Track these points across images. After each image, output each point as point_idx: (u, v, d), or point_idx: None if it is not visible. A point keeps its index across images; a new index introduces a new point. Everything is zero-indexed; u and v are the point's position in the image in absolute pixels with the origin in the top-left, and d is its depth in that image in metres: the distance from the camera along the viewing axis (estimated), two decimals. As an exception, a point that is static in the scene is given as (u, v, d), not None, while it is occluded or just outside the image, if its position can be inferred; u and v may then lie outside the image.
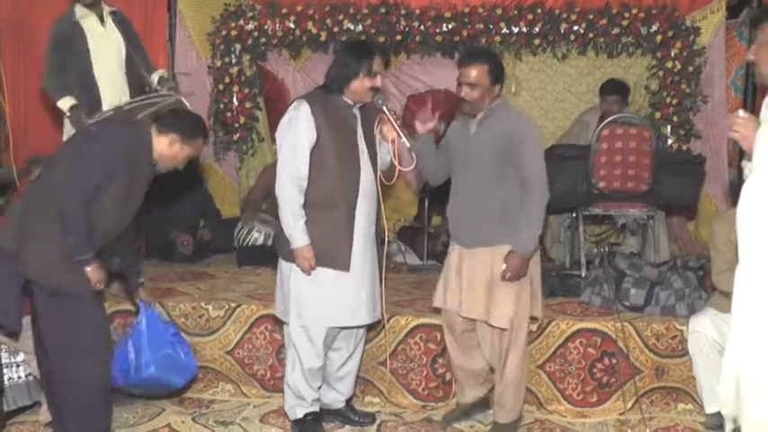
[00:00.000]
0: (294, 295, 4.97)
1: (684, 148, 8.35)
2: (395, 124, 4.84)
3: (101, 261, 4.72)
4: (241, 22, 8.62)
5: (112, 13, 6.75)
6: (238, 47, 8.62)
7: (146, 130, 4.89)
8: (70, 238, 4.57)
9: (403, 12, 8.54)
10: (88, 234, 4.61)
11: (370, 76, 4.87)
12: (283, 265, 5.06)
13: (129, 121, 5.16)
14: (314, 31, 8.50)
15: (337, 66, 4.97)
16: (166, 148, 4.88)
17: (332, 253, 4.89)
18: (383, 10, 8.54)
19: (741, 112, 3.97)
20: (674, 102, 8.35)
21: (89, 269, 4.64)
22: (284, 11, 8.60)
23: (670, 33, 8.36)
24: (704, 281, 6.04)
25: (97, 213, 4.62)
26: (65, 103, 6.38)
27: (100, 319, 4.94)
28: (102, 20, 6.64)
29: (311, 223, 4.85)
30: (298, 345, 5.06)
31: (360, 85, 4.88)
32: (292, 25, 8.59)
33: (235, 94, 8.66)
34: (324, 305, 4.94)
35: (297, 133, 4.82)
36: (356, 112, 5.01)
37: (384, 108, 4.88)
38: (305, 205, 4.86)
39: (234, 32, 8.60)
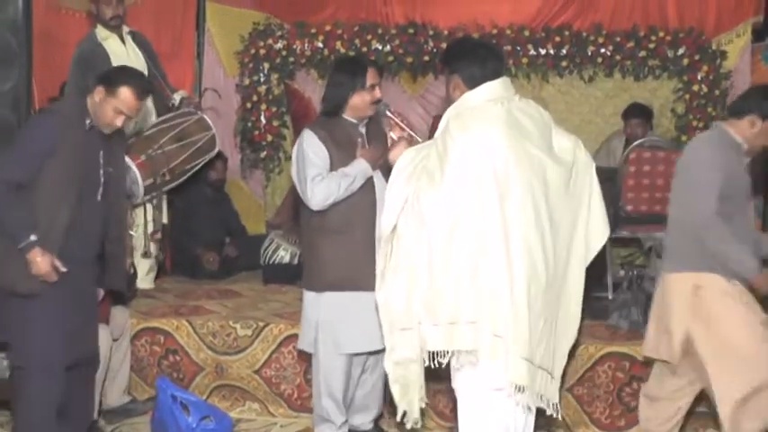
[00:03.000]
0: (325, 324, 4.93)
1: (710, 171, 8.34)
2: (403, 125, 4.71)
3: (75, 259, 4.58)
4: (270, 41, 8.70)
5: (131, 34, 6.80)
6: (267, 65, 8.69)
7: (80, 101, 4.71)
8: (2, 227, 4.46)
9: (431, 32, 8.61)
10: (24, 219, 4.45)
11: (367, 90, 4.86)
12: (308, 295, 5.05)
13: None
14: (342, 50, 8.56)
15: (332, 87, 4.96)
16: (96, 103, 4.62)
17: (356, 275, 4.83)
18: (411, 30, 8.61)
19: None
20: (701, 125, 8.35)
21: (30, 255, 4.42)
22: (313, 30, 8.68)
23: (696, 57, 8.39)
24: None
25: (43, 197, 4.48)
26: None
27: (55, 324, 4.61)
28: (122, 40, 6.70)
29: (332, 249, 4.86)
30: (330, 373, 5.01)
31: (360, 100, 4.87)
32: (320, 45, 8.66)
33: (262, 113, 8.73)
34: (358, 329, 4.88)
35: (312, 161, 4.83)
36: (362, 130, 5.00)
37: (388, 113, 4.82)
38: (321, 231, 4.89)
39: (262, 51, 8.67)
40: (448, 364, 3.94)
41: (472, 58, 4.10)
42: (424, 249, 3.85)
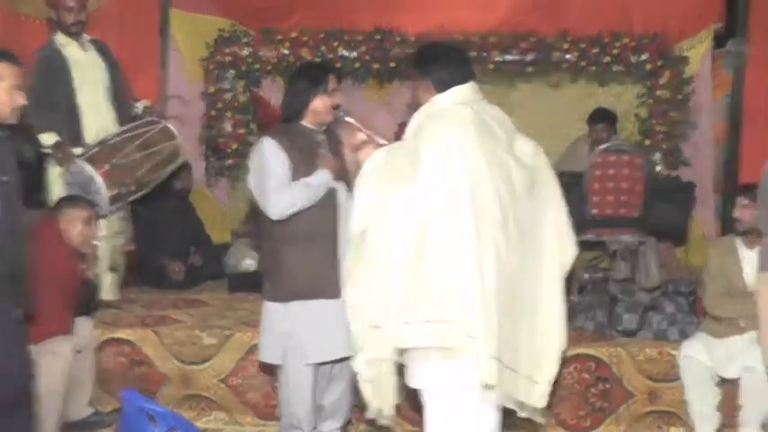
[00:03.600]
0: (293, 335, 4.89)
1: (673, 174, 8.42)
2: (363, 129, 4.53)
3: None
4: (235, 47, 8.68)
5: (93, 42, 6.76)
6: (232, 72, 8.69)
7: None
8: None
9: (397, 39, 8.62)
10: None
11: (328, 94, 4.86)
12: (273, 306, 5.00)
13: None
14: (308, 57, 8.53)
15: (292, 92, 4.96)
16: None
17: (321, 284, 4.82)
18: (378, 37, 8.62)
19: None
20: (664, 129, 8.43)
21: None
22: (279, 37, 8.67)
23: (659, 62, 8.46)
24: (695, 305, 6.10)
25: None
26: (48, 139, 6.35)
27: None
28: (83, 48, 6.65)
29: (296, 258, 4.83)
30: (299, 383, 4.97)
31: (321, 104, 4.86)
32: (287, 51, 8.64)
33: (228, 120, 8.69)
34: (325, 338, 4.85)
35: (273, 170, 4.80)
36: (322, 137, 4.98)
37: (347, 118, 4.67)
38: (285, 241, 4.86)
39: (228, 58, 8.66)
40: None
41: (444, 62, 4.14)
42: (397, 249, 3.86)
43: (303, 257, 4.84)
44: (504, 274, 3.86)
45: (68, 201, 5.85)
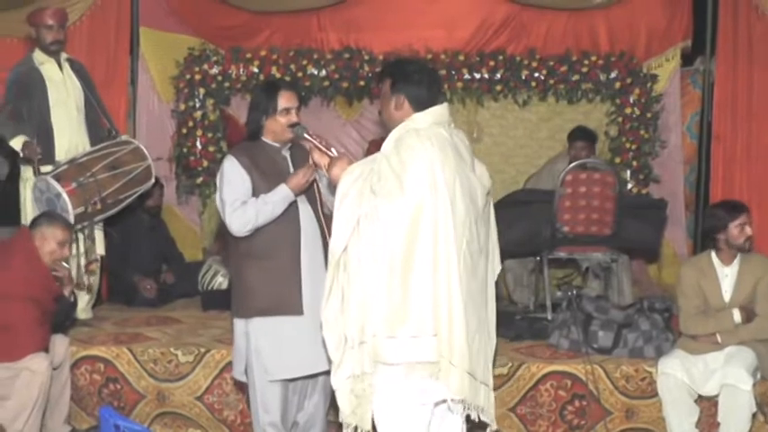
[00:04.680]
0: (255, 351, 4.87)
1: (644, 192, 8.49)
2: (322, 147, 4.52)
3: None
4: (205, 66, 8.66)
5: (69, 61, 6.74)
6: (202, 91, 8.65)
7: None
8: None
9: (366, 57, 8.64)
10: None
11: (280, 113, 4.83)
12: (237, 323, 4.99)
13: None
14: (278, 75, 8.52)
15: (251, 110, 4.95)
16: None
17: (283, 301, 4.80)
18: (346, 55, 8.64)
19: None
20: (633, 147, 8.49)
21: None
22: (248, 55, 8.66)
23: (629, 80, 8.52)
24: (671, 323, 6.12)
25: None
26: (17, 142, 6.35)
27: None
28: (60, 66, 6.63)
29: (258, 274, 4.80)
30: (267, 400, 4.93)
31: (275, 124, 4.84)
32: (256, 70, 8.64)
33: (198, 138, 8.66)
34: (288, 355, 4.82)
35: (233, 187, 4.79)
36: (285, 153, 4.96)
37: (306, 136, 4.65)
38: (247, 257, 4.84)
39: (198, 76, 8.63)
40: None
41: (420, 80, 4.17)
42: (383, 263, 3.87)
43: (264, 273, 4.81)
44: (473, 291, 3.98)
45: (47, 218, 5.80)
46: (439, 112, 4.12)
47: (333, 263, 4.01)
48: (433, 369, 3.88)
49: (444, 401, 3.94)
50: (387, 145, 4.06)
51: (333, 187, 4.25)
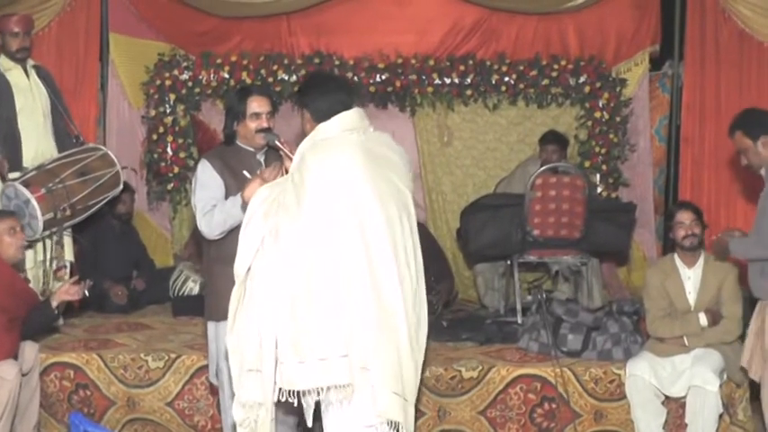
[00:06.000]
0: (223, 355, 4.76)
1: (613, 195, 8.53)
2: (292, 156, 4.40)
3: None
4: (175, 71, 8.64)
5: (35, 68, 6.73)
6: (172, 96, 8.62)
7: None
8: None
9: (336, 62, 8.63)
10: None
11: (250, 118, 4.80)
12: (209, 326, 4.99)
13: None
14: (248, 81, 8.51)
15: (225, 115, 4.96)
16: None
17: None
18: (317, 60, 8.63)
19: None
20: (603, 151, 8.52)
21: None
22: (218, 61, 8.65)
23: (598, 84, 8.56)
24: (639, 325, 6.16)
25: None
26: None
27: None
28: (26, 73, 6.61)
29: (223, 277, 4.66)
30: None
31: (245, 128, 4.83)
32: (227, 75, 8.63)
33: (169, 144, 8.64)
34: None
35: (205, 191, 4.79)
36: (260, 158, 4.93)
37: (277, 143, 4.62)
38: (216, 260, 4.83)
39: (168, 82, 8.61)
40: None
41: (319, 91, 4.20)
42: (286, 286, 3.86)
43: (225, 279, 4.63)
44: (403, 303, 3.93)
45: None
46: (348, 118, 4.11)
47: (237, 284, 4.01)
48: (345, 393, 3.87)
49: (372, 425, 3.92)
50: (294, 162, 4.08)
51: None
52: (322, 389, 3.87)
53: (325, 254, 3.83)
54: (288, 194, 3.93)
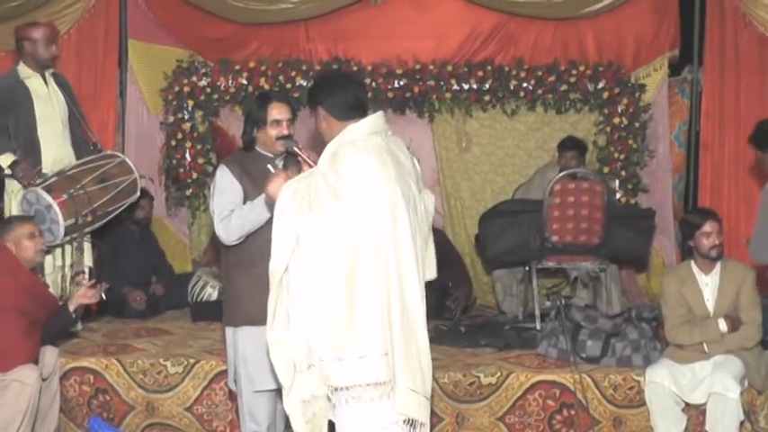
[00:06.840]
0: (242, 360, 4.85)
1: (632, 201, 8.51)
2: (311, 162, 4.36)
3: None
4: (194, 78, 8.67)
5: (54, 75, 6.75)
6: (191, 103, 8.64)
7: None
8: None
9: (354, 68, 8.62)
10: None
11: (270, 125, 4.80)
12: (226, 331, 4.98)
13: None
14: (266, 87, 8.53)
15: (245, 121, 4.95)
16: None
17: (261, 310, 4.53)
18: (335, 66, 8.63)
19: None
20: (622, 157, 8.48)
21: None
22: (237, 67, 8.68)
23: (617, 90, 8.52)
24: (659, 331, 6.14)
25: None
26: (5, 160, 6.35)
27: None
28: (45, 81, 6.64)
29: (247, 283, 4.75)
30: (254, 409, 4.89)
31: (265, 135, 4.82)
32: (245, 81, 8.65)
33: (187, 150, 8.66)
34: (271, 365, 4.79)
35: (224, 196, 4.79)
36: (279, 163, 4.91)
37: (296, 149, 4.55)
38: (235, 265, 4.83)
39: (186, 88, 8.63)
40: None
41: (331, 87, 4.17)
42: (326, 284, 3.84)
43: (251, 282, 4.72)
44: (418, 305, 3.94)
45: (2, 226, 5.82)
46: (373, 121, 4.09)
47: (274, 284, 3.97)
48: (384, 390, 3.86)
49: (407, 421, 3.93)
50: (323, 160, 4.03)
51: (270, 204, 4.27)
52: (360, 386, 3.86)
53: (364, 251, 3.82)
54: (321, 191, 3.90)
